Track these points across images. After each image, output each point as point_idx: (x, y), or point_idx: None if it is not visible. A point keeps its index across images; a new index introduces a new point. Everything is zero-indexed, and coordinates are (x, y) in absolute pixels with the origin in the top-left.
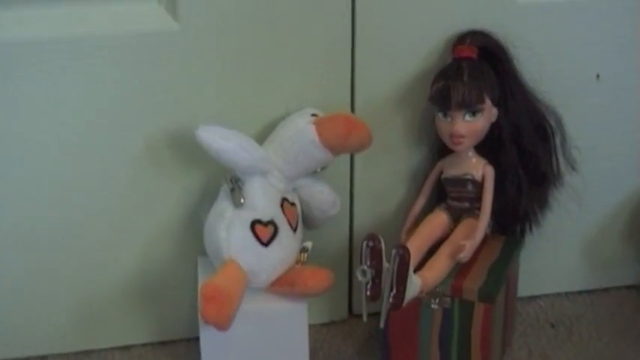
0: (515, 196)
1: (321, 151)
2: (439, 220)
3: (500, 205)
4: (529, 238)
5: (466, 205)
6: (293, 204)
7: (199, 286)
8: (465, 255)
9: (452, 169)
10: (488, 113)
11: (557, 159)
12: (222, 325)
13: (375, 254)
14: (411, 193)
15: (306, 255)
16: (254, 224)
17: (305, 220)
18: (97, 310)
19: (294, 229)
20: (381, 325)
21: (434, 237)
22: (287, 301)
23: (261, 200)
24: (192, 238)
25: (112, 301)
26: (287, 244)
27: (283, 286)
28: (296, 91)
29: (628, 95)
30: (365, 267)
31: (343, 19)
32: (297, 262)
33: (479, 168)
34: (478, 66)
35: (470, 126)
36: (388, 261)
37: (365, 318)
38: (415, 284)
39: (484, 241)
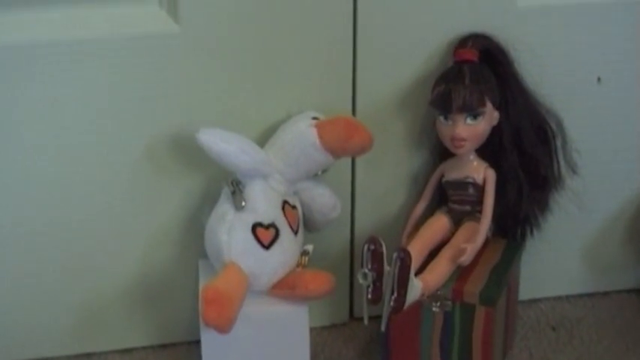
0: (516, 199)
1: (322, 154)
2: (440, 223)
3: (501, 208)
4: (530, 241)
5: (467, 208)
6: (294, 207)
7: (200, 289)
8: (466, 258)
9: (453, 172)
10: (490, 116)
11: (557, 162)
12: (223, 328)
13: (376, 257)
14: (412, 196)
15: (307, 258)
16: (255, 227)
17: (306, 223)
18: (98, 312)
19: (295, 232)
20: (382, 328)
21: (435, 240)
22: (288, 304)
23: (262, 203)
24: (193, 241)
25: (113, 304)
26: (288, 247)
27: (284, 289)
28: (297, 94)
29: (628, 98)
30: (366, 270)
31: (344, 22)
32: (298, 265)
33: (480, 171)
34: (479, 69)
35: (471, 129)
36: (389, 264)
37: (366, 321)
38: (416, 287)
39: (485, 244)
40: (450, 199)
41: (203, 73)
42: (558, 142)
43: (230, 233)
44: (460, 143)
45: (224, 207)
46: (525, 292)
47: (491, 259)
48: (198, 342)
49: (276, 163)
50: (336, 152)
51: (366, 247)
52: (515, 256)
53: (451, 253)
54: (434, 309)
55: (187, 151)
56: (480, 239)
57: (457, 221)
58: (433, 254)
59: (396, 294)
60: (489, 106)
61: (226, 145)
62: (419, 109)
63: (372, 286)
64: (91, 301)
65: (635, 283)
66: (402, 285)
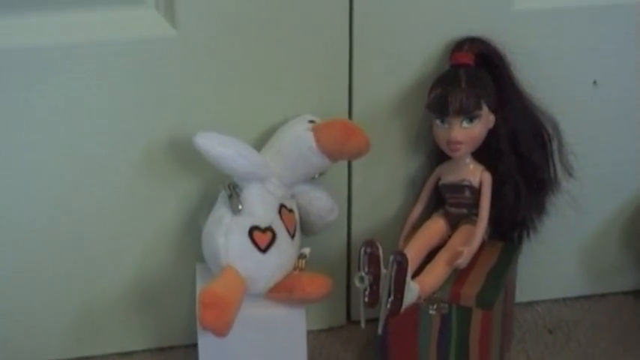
0: (512, 202)
1: (319, 158)
2: (437, 226)
3: (498, 211)
4: (527, 244)
5: (464, 211)
6: (291, 210)
7: (198, 292)
8: (462, 261)
9: (449, 175)
10: (486, 120)
11: (554, 165)
12: (221, 331)
13: (373, 260)
14: (408, 199)
15: (304, 261)
16: (252, 230)
17: (303, 227)
18: (95, 316)
19: (292, 236)
20: (380, 331)
21: (432, 243)
22: (285, 307)
23: (259, 207)
24: (191, 245)
25: (111, 308)
26: (285, 251)
27: (281, 292)
28: (294, 98)
29: (624, 101)
30: (363, 273)
31: (341, 26)
32: (296, 268)
33: (476, 174)
34: (475, 73)
35: (467, 132)
36: (386, 267)
37: (363, 324)
38: (413, 290)
39: (482, 247)
40: (446, 202)
41: (200, 77)
42: (555, 145)
43: (227, 237)
44: (456, 146)
45: (221, 210)
46: (522, 294)
47: (488, 262)
48: (195, 345)
49: (273, 167)
50: (333, 155)
51: (362, 250)
52: (512, 258)
53: (448, 256)
54: (431, 312)
55: (184, 155)
56: (476, 242)
57: (454, 224)
58: (430, 257)
59: (392, 297)
60: (485, 109)
61: (223, 148)
62: (415, 113)
63: (369, 289)
64: (89, 305)
65: (631, 286)
66: (398, 288)
